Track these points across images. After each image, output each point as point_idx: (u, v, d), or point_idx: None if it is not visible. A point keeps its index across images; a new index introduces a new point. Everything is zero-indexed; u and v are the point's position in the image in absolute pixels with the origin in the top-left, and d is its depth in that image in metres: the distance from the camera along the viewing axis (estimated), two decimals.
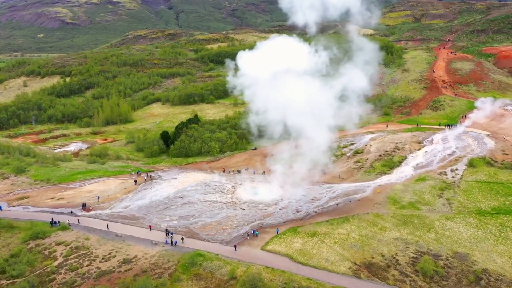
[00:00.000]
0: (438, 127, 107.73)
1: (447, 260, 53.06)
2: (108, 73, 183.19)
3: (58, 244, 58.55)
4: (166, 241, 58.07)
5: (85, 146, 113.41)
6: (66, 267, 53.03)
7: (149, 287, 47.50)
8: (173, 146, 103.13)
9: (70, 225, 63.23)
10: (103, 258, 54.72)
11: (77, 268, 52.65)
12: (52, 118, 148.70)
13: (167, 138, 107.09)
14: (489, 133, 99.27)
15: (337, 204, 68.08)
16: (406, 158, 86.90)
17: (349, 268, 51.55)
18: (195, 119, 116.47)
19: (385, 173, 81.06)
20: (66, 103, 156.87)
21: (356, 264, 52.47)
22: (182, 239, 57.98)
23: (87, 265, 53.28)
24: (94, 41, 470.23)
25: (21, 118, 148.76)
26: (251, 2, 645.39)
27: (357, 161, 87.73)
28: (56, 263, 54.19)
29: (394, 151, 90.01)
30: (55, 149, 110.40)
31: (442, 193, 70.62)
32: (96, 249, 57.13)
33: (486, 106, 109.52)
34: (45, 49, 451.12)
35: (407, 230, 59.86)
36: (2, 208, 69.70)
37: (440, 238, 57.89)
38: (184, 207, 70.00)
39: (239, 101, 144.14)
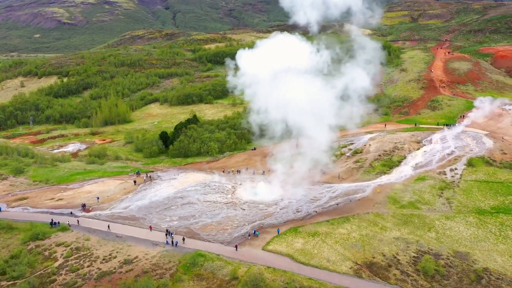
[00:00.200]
0: (436, 126, 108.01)
1: (448, 259, 53.19)
2: (106, 73, 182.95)
3: (58, 245, 58.33)
4: (167, 241, 57.93)
5: (84, 146, 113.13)
6: (67, 268, 52.81)
7: (150, 287, 47.39)
8: (172, 147, 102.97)
9: (70, 226, 63.00)
10: (103, 259, 54.53)
11: (78, 269, 52.43)
12: (50, 118, 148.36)
13: (166, 139, 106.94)
14: (487, 132, 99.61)
15: (337, 204, 68.13)
16: (405, 157, 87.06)
17: (350, 268, 51.58)
18: (194, 119, 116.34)
19: (384, 173, 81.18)
20: (63, 104, 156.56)
21: (357, 263, 52.51)
22: (183, 239, 57.86)
23: (88, 266, 53.09)
24: (91, 41, 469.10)
25: (19, 118, 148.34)
26: (248, 2, 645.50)
27: (357, 161, 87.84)
28: (56, 264, 53.97)
29: (393, 151, 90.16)
30: (53, 150, 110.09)
31: (441, 193, 70.81)
32: (96, 249, 56.93)
33: (485, 106, 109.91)
34: (42, 49, 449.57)
35: (407, 229, 59.97)
36: (1, 209, 69.45)
37: (441, 237, 58.03)
38: (184, 208, 69.89)
39: (237, 101, 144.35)
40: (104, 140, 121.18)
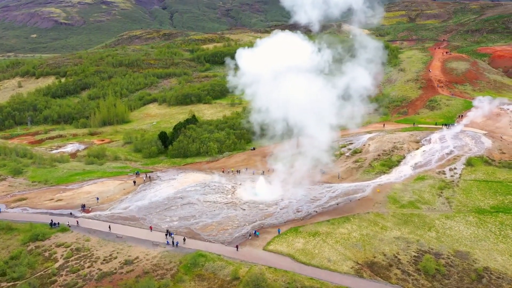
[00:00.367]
0: (434, 126, 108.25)
1: (449, 258, 53.33)
2: (104, 74, 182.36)
3: (58, 245, 58.16)
4: (168, 242, 57.84)
5: (82, 147, 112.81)
6: (67, 269, 52.67)
7: None
8: (172, 147, 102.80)
9: (69, 226, 62.79)
10: (104, 260, 54.40)
11: (78, 270, 52.29)
12: (48, 119, 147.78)
13: (165, 139, 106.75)
14: (486, 132, 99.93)
15: (337, 204, 68.19)
16: (404, 157, 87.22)
17: (351, 268, 51.64)
18: (193, 120, 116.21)
19: (384, 173, 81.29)
20: (61, 104, 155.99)
21: (358, 263, 52.58)
22: (184, 239, 57.80)
23: (88, 267, 52.95)
24: (88, 41, 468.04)
25: (17, 119, 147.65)
26: (245, 2, 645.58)
27: (356, 161, 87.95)
28: (57, 265, 53.80)
29: (392, 151, 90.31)
30: (51, 150, 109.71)
31: (441, 192, 70.99)
32: (97, 250, 56.79)
33: (483, 105, 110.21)
34: (39, 49, 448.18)
35: (408, 229, 60.09)
36: (0, 210, 69.24)
37: (441, 237, 58.18)
38: (184, 208, 69.79)
39: (236, 101, 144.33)
40: (102, 140, 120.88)
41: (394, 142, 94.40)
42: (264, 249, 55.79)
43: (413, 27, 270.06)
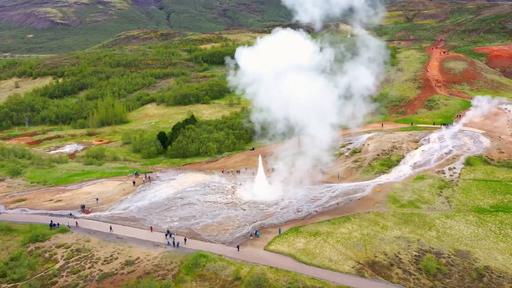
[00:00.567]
0: (432, 126, 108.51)
1: (449, 258, 53.47)
2: (102, 74, 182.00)
3: (58, 246, 57.92)
4: (168, 242, 57.72)
5: (81, 147, 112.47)
6: (68, 270, 52.45)
7: None
8: (171, 147, 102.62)
9: (69, 227, 62.56)
10: (105, 260, 54.23)
11: (79, 271, 52.09)
12: (45, 119, 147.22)
13: (164, 139, 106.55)
14: (484, 131, 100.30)
15: (337, 204, 68.25)
16: (403, 157, 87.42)
17: (352, 267, 51.68)
18: (192, 120, 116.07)
19: (383, 172, 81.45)
20: (59, 104, 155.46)
21: (359, 263, 52.62)
22: (185, 240, 57.70)
23: (89, 268, 52.76)
24: (84, 42, 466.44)
25: (14, 119, 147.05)
26: (242, 2, 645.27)
27: (356, 161, 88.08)
28: (57, 266, 53.56)
29: (391, 150, 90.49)
30: (50, 151, 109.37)
31: (441, 192, 71.18)
32: (97, 251, 56.60)
33: (482, 105, 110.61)
34: (35, 49, 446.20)
35: (408, 228, 60.21)
36: None
37: (441, 236, 58.32)
38: (185, 208, 69.69)
39: (234, 101, 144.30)
40: (101, 141, 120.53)
41: (393, 142, 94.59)
42: (265, 249, 55.76)
43: (410, 27, 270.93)
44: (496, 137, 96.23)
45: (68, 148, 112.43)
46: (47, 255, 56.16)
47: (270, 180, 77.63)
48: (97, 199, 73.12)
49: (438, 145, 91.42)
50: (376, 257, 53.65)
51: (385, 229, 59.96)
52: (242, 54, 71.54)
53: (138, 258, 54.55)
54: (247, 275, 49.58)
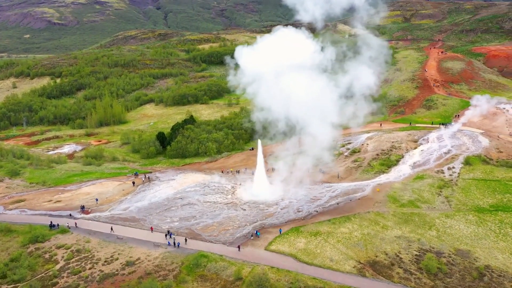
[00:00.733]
0: (431, 125, 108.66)
1: (450, 257, 53.61)
2: (99, 74, 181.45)
3: (58, 247, 57.74)
4: (169, 242, 57.61)
5: (79, 148, 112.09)
6: (68, 271, 52.32)
7: None
8: (170, 147, 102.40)
9: (69, 228, 62.34)
10: (105, 261, 54.11)
11: (80, 272, 51.96)
12: (43, 119, 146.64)
13: (163, 139, 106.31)
14: (483, 131, 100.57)
15: (337, 203, 68.31)
16: (403, 157, 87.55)
17: (353, 267, 51.74)
18: (191, 120, 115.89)
19: (383, 172, 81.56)
20: (57, 105, 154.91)
21: (360, 262, 52.69)
22: (186, 240, 57.63)
23: (90, 268, 52.63)
24: (81, 42, 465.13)
25: (12, 120, 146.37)
26: (240, 2, 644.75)
27: (355, 160, 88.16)
28: (57, 266, 53.40)
29: (391, 150, 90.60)
30: (48, 151, 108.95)
31: (440, 191, 71.35)
32: (97, 252, 56.47)
33: (481, 104, 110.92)
34: (32, 49, 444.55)
35: (408, 228, 60.33)
36: None
37: (442, 235, 58.47)
38: (185, 208, 69.60)
39: (233, 101, 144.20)
40: (99, 141, 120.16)
41: (392, 142, 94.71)
42: (266, 249, 55.76)
43: (408, 27, 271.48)
44: (494, 136, 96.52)
45: (67, 148, 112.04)
46: (47, 256, 55.99)
47: (271, 180, 77.48)
48: (97, 200, 72.93)
49: (437, 144, 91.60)
50: (377, 256, 53.74)
51: (385, 228, 60.06)
52: (243, 53, 71.17)
53: (138, 258, 54.45)
54: (248, 275, 49.56)
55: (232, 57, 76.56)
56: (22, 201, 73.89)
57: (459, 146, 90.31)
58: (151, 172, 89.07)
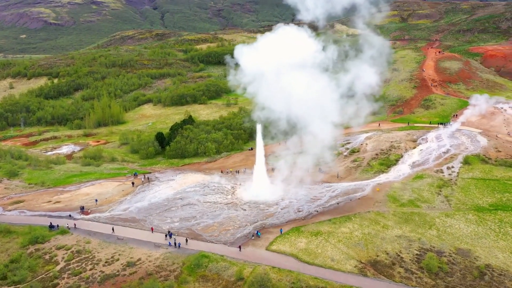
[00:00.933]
0: (429, 125, 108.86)
1: (450, 256, 53.79)
2: (97, 74, 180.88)
3: (58, 248, 57.56)
4: (170, 243, 57.50)
5: (78, 148, 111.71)
6: (69, 272, 52.17)
7: None
8: (169, 147, 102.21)
9: (69, 228, 62.11)
10: (106, 262, 53.97)
11: (80, 272, 51.83)
12: (41, 120, 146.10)
13: (162, 139, 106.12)
14: (481, 131, 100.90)
15: (338, 203, 68.37)
16: (402, 156, 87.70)
17: (355, 267, 51.83)
18: (190, 120, 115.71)
19: (382, 172, 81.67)
20: (55, 105, 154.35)
21: (361, 262, 52.78)
22: (186, 240, 57.57)
23: (90, 269, 52.50)
24: (78, 42, 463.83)
25: (9, 120, 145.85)
26: (237, 2, 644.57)
27: (354, 160, 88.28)
28: (58, 267, 53.25)
29: (390, 150, 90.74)
30: (46, 152, 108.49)
31: (440, 191, 71.54)
32: (98, 252, 56.34)
33: (480, 103, 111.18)
34: (28, 50, 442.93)
35: (409, 227, 60.47)
36: None
37: (442, 235, 58.64)
38: (185, 209, 69.52)
39: (232, 101, 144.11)
40: (98, 141, 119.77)
41: (391, 141, 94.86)
42: (267, 249, 55.78)
43: (405, 27, 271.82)
44: (493, 136, 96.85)
45: (65, 149, 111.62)
46: (47, 257, 55.80)
47: (271, 180, 77.38)
48: (96, 200, 72.72)
49: (436, 144, 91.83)
50: (377, 256, 53.85)
51: (386, 228, 60.18)
52: (243, 52, 70.87)
53: (139, 259, 54.35)
54: (250, 275, 49.55)
55: (231, 56, 76.33)
56: (21, 202, 73.55)
57: (457, 145, 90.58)
58: (150, 173, 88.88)
